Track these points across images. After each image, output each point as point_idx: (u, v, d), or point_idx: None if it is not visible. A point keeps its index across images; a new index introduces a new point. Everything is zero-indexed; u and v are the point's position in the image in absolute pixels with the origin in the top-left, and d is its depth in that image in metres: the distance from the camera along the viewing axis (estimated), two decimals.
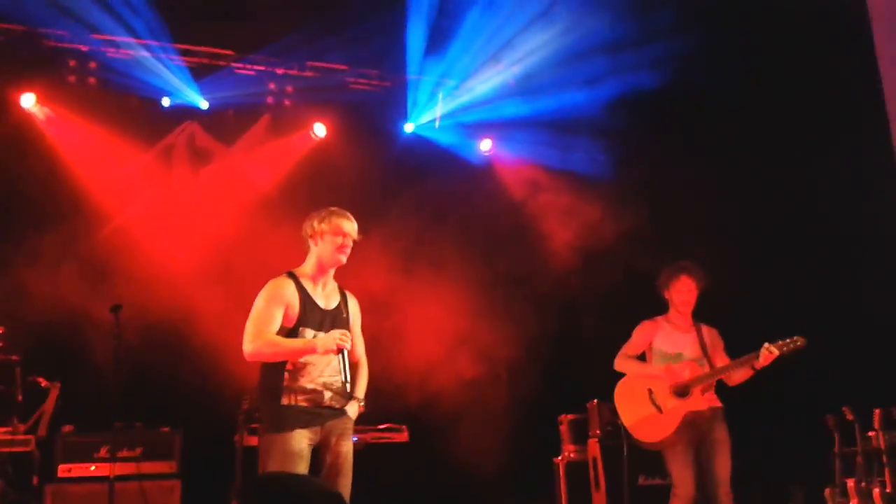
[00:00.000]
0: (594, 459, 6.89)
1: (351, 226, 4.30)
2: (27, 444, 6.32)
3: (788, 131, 7.47)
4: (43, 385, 6.49)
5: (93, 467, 6.32)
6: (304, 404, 4.13)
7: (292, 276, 4.29)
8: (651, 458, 5.83)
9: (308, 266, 4.33)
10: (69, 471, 6.32)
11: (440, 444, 7.37)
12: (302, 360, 4.15)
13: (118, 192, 7.64)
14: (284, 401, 4.12)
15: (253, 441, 6.25)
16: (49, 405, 6.49)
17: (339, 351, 4.11)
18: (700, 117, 7.71)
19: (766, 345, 5.11)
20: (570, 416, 7.27)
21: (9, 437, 6.31)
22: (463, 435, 7.43)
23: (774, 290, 7.12)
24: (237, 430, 6.35)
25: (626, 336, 5.58)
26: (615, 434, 6.65)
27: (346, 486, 4.18)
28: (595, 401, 7.04)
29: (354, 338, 4.36)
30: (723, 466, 5.21)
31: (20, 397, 6.44)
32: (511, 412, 7.76)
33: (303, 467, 4.06)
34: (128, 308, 6.42)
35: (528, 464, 7.57)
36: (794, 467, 6.76)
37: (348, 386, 4.16)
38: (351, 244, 4.29)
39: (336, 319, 4.27)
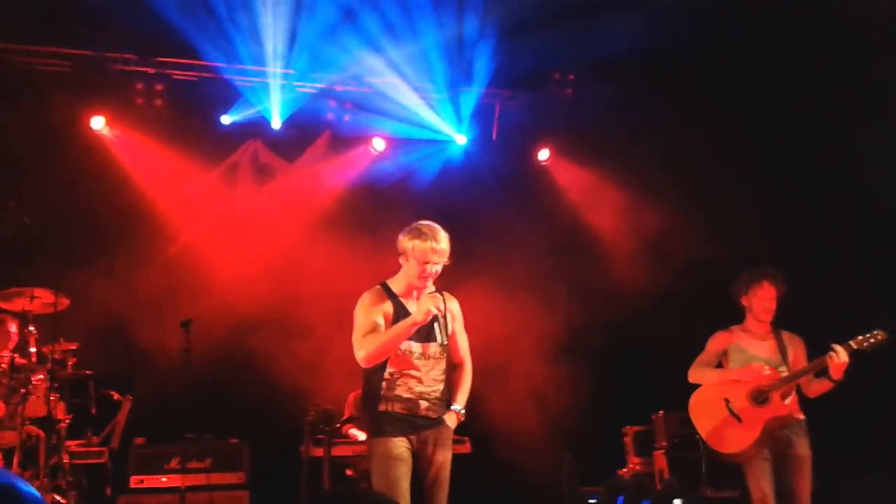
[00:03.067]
0: (660, 472, 6.80)
1: (438, 253, 4.15)
2: (101, 455, 6.52)
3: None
4: (116, 398, 6.68)
5: (164, 478, 6.46)
6: (399, 412, 4.15)
7: (384, 286, 4.28)
8: (719, 471, 5.73)
9: (399, 279, 4.29)
10: (141, 482, 6.47)
11: (502, 455, 7.37)
12: (400, 369, 4.16)
13: (186, 209, 7.84)
14: (381, 407, 4.16)
15: (318, 452, 6.35)
16: (121, 418, 6.69)
17: (434, 316, 4.09)
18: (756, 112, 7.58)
19: (834, 346, 4.89)
20: (634, 428, 7.20)
21: (83, 448, 6.50)
22: (525, 447, 7.41)
23: (847, 287, 6.92)
24: (303, 441, 6.44)
25: (693, 345, 5.45)
26: (681, 446, 6.58)
27: (441, 497, 4.19)
28: (661, 412, 6.97)
29: (457, 339, 4.36)
30: (803, 484, 5.01)
31: (94, 410, 6.63)
32: (574, 423, 7.70)
33: (404, 470, 4.09)
34: (197, 323, 6.59)
35: (592, 476, 7.50)
36: (866, 477, 6.58)
37: (442, 342, 4.14)
38: (437, 271, 4.19)
39: (442, 329, 4.20)
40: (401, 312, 4.19)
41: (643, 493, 6.14)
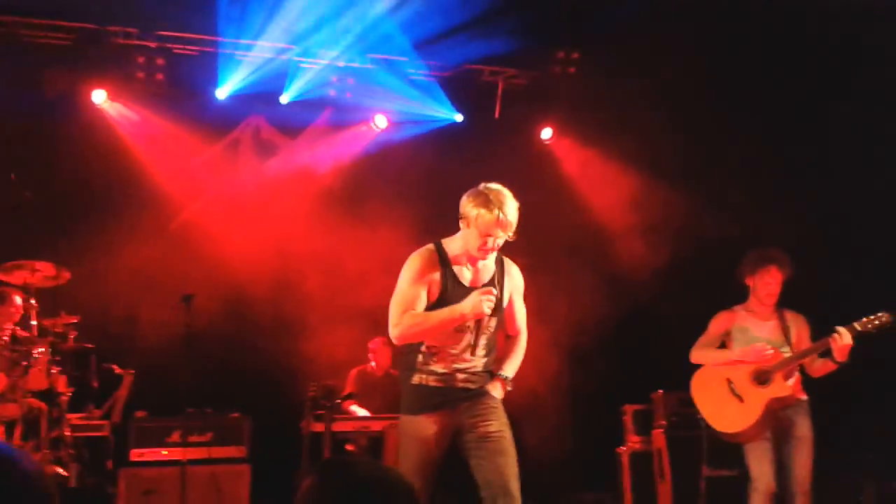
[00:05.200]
0: (659, 450, 6.84)
1: (504, 226, 3.75)
2: (102, 429, 6.55)
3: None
4: (117, 372, 6.71)
5: (165, 452, 6.47)
6: (433, 384, 3.91)
7: (438, 247, 3.93)
8: (718, 450, 5.75)
9: (456, 242, 3.93)
10: (141, 455, 6.48)
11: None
12: (438, 344, 3.89)
13: (187, 184, 7.82)
14: (415, 380, 3.93)
15: (319, 427, 6.37)
16: (123, 391, 6.71)
17: (481, 316, 3.78)
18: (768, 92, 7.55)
19: (838, 328, 4.90)
20: (634, 406, 7.23)
21: (85, 422, 6.53)
22: (525, 424, 7.40)
23: (842, 277, 6.93)
24: (304, 416, 6.46)
25: (696, 325, 5.46)
26: (681, 425, 6.60)
27: (508, 466, 3.86)
28: (660, 391, 6.99)
29: (514, 309, 4.09)
30: (803, 465, 5.04)
31: (96, 384, 6.66)
32: (574, 401, 7.73)
33: (425, 452, 3.89)
34: (198, 298, 6.60)
35: (592, 454, 7.54)
36: (866, 459, 6.61)
37: (476, 358, 3.89)
38: (498, 245, 3.84)
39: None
40: (450, 284, 3.86)
41: None
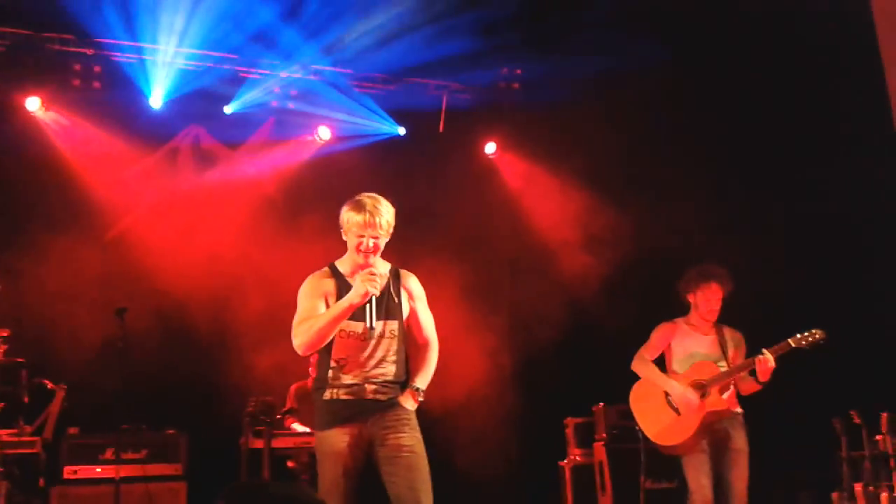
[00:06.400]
0: (600, 463, 6.89)
1: (372, 226, 3.94)
2: (33, 445, 6.32)
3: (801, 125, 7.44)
4: (49, 387, 6.49)
5: (98, 469, 6.31)
6: (344, 397, 3.97)
7: (332, 267, 4.09)
8: (657, 462, 5.81)
9: (346, 258, 4.09)
10: (74, 472, 6.31)
11: (443, 446, 7.34)
12: (344, 356, 3.98)
13: (123, 195, 7.64)
14: (326, 395, 3.99)
15: (258, 444, 6.26)
16: (55, 407, 6.49)
17: (369, 298, 3.86)
18: (707, 102, 7.69)
19: (763, 350, 5.06)
20: (575, 420, 7.27)
21: (15, 438, 6.30)
22: (467, 438, 7.42)
23: (778, 289, 7.08)
24: (242, 432, 6.35)
25: (636, 338, 5.53)
26: (621, 437, 6.66)
27: (419, 481, 3.92)
28: (601, 404, 7.05)
29: (419, 318, 4.17)
30: (740, 477, 5.15)
31: (26, 399, 6.43)
32: (516, 415, 7.74)
33: (343, 468, 3.90)
34: (133, 311, 6.46)
35: (534, 467, 7.56)
36: (802, 471, 6.75)
37: (373, 329, 3.92)
38: (374, 245, 3.98)
39: (384, 307, 4.00)
40: (345, 293, 3.94)
41: None
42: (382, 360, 4.01)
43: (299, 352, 3.98)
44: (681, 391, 5.23)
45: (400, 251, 4.15)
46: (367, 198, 4.01)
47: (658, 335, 5.48)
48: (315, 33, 7.74)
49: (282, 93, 8.17)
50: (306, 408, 6.85)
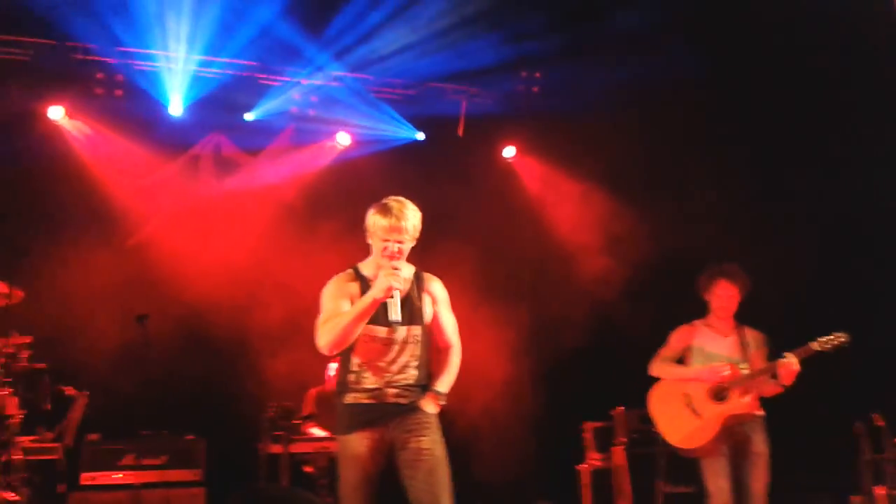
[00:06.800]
0: (619, 467, 6.82)
1: (398, 230, 3.90)
2: (54, 452, 6.39)
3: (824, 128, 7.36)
4: (70, 394, 6.56)
5: (118, 475, 6.35)
6: (365, 401, 3.96)
7: (356, 270, 4.06)
8: (676, 466, 5.75)
9: (370, 261, 4.06)
10: (94, 479, 6.36)
11: (462, 450, 7.32)
12: (367, 359, 3.96)
13: (145, 202, 7.73)
14: (348, 399, 3.99)
15: (276, 449, 6.28)
16: (76, 414, 6.56)
17: (392, 292, 3.82)
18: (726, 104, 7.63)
19: (786, 354, 5.00)
20: (594, 424, 7.21)
21: (36, 445, 6.37)
22: (486, 441, 7.40)
23: (800, 290, 6.99)
24: (261, 437, 6.37)
25: (654, 342, 5.48)
26: (641, 442, 6.61)
27: (439, 485, 3.89)
28: (621, 408, 6.99)
29: (441, 321, 4.13)
30: (760, 481, 5.10)
31: (48, 406, 6.50)
32: (535, 419, 7.70)
33: (363, 472, 3.91)
34: (155, 318, 6.52)
35: (552, 472, 7.51)
36: (822, 475, 6.64)
37: (398, 323, 3.86)
38: (400, 249, 3.95)
39: (407, 311, 3.96)
40: None
41: None
42: (406, 365, 3.99)
43: (324, 351, 3.95)
44: (708, 369, 5.16)
45: (419, 255, 4.14)
46: (394, 202, 3.98)
47: (676, 337, 5.44)
48: (335, 40, 7.78)
49: (302, 99, 8.20)
50: (325, 413, 6.87)
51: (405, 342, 3.99)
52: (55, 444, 6.43)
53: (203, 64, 7.73)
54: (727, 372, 5.13)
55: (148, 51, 7.62)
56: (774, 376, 5.07)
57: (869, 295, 6.96)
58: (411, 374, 4.00)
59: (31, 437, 6.40)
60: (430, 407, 4.03)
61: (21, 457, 6.05)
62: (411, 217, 3.96)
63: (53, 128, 7.64)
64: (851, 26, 6.71)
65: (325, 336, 3.91)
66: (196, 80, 7.78)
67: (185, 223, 7.69)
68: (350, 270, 4.07)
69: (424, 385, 4.05)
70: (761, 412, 5.24)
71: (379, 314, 3.91)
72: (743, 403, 5.14)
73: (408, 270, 4.06)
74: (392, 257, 3.94)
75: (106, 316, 7.07)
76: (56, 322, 6.95)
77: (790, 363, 4.96)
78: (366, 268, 4.05)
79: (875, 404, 5.72)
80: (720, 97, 7.62)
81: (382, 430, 3.95)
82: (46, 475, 6.32)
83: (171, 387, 6.99)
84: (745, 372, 5.17)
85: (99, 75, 7.67)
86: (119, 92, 7.72)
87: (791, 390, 5.08)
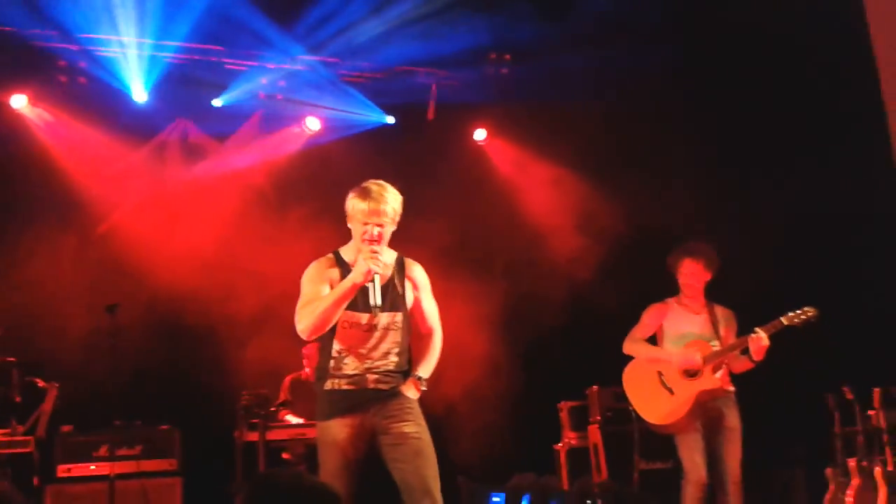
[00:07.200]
0: (595, 445, 6.89)
1: (377, 213, 3.86)
2: (26, 445, 6.31)
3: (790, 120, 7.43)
4: (41, 385, 6.47)
5: (93, 466, 6.31)
6: (345, 387, 3.93)
7: (336, 255, 4.02)
8: (651, 443, 5.82)
9: (350, 246, 4.01)
10: (68, 470, 6.31)
11: (437, 432, 7.33)
12: (347, 345, 3.93)
13: (112, 190, 7.61)
14: (328, 385, 3.95)
15: (253, 437, 6.26)
16: (47, 405, 6.46)
17: (372, 276, 3.80)
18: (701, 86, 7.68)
19: (756, 329, 5.06)
20: (569, 403, 7.27)
21: (8, 438, 6.30)
22: (461, 423, 7.42)
23: (770, 268, 7.07)
24: (236, 425, 6.34)
25: (627, 321, 5.53)
26: (615, 419, 6.68)
27: (427, 467, 3.87)
28: (595, 386, 7.05)
29: (423, 307, 4.11)
30: (734, 455, 5.17)
31: (18, 398, 6.41)
32: (510, 399, 7.73)
33: (342, 457, 3.87)
34: (125, 306, 6.44)
35: (528, 451, 7.56)
36: (795, 448, 6.75)
37: (378, 310, 3.85)
38: (380, 233, 3.89)
39: (388, 298, 3.94)
40: None
41: (549, 492, 6.19)
42: (387, 352, 3.96)
43: (303, 336, 3.94)
44: (681, 355, 5.22)
45: (393, 239, 4.11)
46: (374, 185, 3.94)
47: (649, 316, 5.49)
48: (303, 24, 7.70)
49: (269, 84, 8.11)
50: (300, 399, 6.86)
51: (387, 329, 3.96)
52: (27, 437, 6.34)
53: (167, 49, 7.62)
54: (699, 359, 5.19)
55: (110, 36, 7.49)
56: (745, 352, 5.14)
57: (841, 269, 7.05)
58: (392, 361, 3.97)
59: (2, 431, 6.33)
60: (411, 392, 4.00)
61: None
62: (391, 200, 3.92)
63: (16, 116, 7.52)
64: (827, 12, 6.78)
65: (303, 321, 3.88)
66: (160, 65, 7.67)
67: (153, 211, 7.62)
68: (330, 255, 4.04)
69: (406, 371, 4.03)
70: (732, 388, 5.32)
71: (359, 300, 3.89)
72: (715, 379, 5.21)
73: (389, 256, 4.03)
74: (372, 241, 3.89)
75: (75, 306, 6.97)
76: (25, 313, 6.85)
77: (760, 338, 5.02)
78: (346, 252, 4.02)
79: (845, 378, 5.80)
80: (696, 78, 7.67)
81: (363, 417, 3.92)
82: (19, 468, 6.24)
83: (144, 376, 6.94)
84: (716, 348, 5.23)
85: (61, 62, 7.53)
86: (82, 79, 7.60)
87: (764, 365, 5.15)
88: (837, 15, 6.57)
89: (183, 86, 7.78)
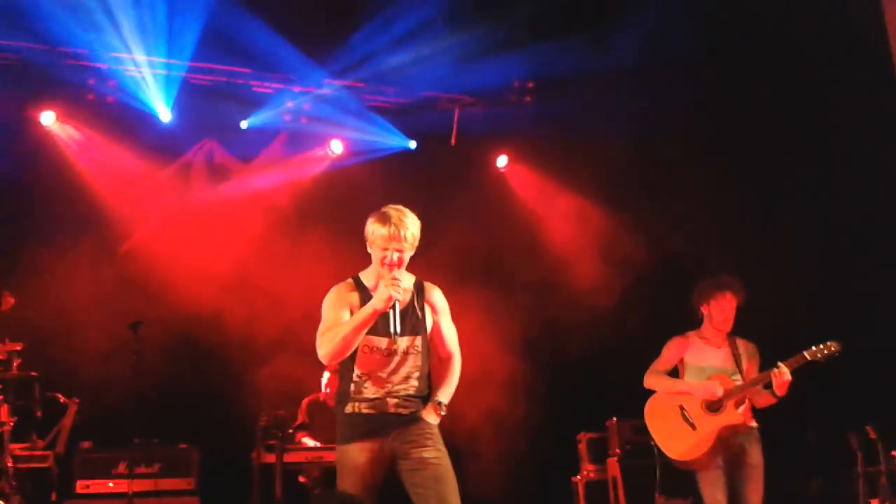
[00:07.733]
0: (614, 479, 6.84)
1: (397, 239, 3.87)
2: (45, 459, 6.35)
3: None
4: (62, 401, 6.52)
5: (111, 483, 6.33)
6: (366, 412, 3.93)
7: (356, 280, 4.04)
8: (671, 478, 5.77)
9: (370, 271, 4.03)
10: (87, 487, 6.34)
11: (457, 463, 7.31)
12: (367, 370, 3.94)
13: (137, 208, 7.69)
14: (348, 409, 3.95)
15: (270, 458, 6.25)
16: (68, 421, 6.52)
17: (393, 303, 3.80)
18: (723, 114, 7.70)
19: (780, 364, 5.03)
20: (588, 435, 7.23)
21: (28, 452, 6.33)
22: (480, 454, 7.39)
23: (793, 301, 7.04)
24: (254, 447, 6.34)
25: (649, 353, 5.50)
26: (635, 453, 6.62)
27: (448, 494, 3.84)
28: (614, 419, 7.00)
29: (442, 331, 4.10)
30: (755, 493, 5.10)
31: (39, 413, 6.44)
32: (529, 430, 7.70)
33: (359, 481, 3.86)
34: (147, 325, 6.48)
35: (547, 483, 7.52)
36: (817, 487, 6.69)
37: (398, 336, 3.85)
38: (399, 258, 3.92)
39: (408, 322, 3.95)
40: None
41: None
42: (407, 376, 3.97)
43: (324, 361, 3.95)
44: (701, 386, 5.18)
45: (411, 264, 4.13)
46: (393, 210, 3.95)
47: (669, 350, 5.45)
48: (328, 48, 7.77)
49: (295, 107, 8.19)
50: (318, 422, 6.85)
51: (406, 353, 3.97)
52: (47, 452, 6.39)
53: (194, 70, 7.71)
54: (720, 391, 5.15)
55: (139, 56, 7.58)
56: (768, 386, 5.10)
57: (863, 304, 7.02)
58: (412, 385, 3.98)
59: (23, 445, 6.36)
60: (431, 417, 4.00)
61: (12, 464, 5.99)
62: (410, 226, 3.93)
63: (45, 133, 7.59)
64: (846, 30, 6.79)
65: (324, 346, 3.89)
66: (186, 86, 7.75)
67: (177, 230, 7.66)
68: (350, 280, 4.05)
69: (425, 396, 4.03)
70: (755, 423, 5.26)
71: (379, 325, 3.90)
72: (738, 415, 5.16)
73: (408, 280, 4.04)
74: (391, 266, 3.91)
75: (98, 323, 7.00)
76: (48, 329, 6.89)
77: (783, 373, 4.98)
78: (366, 277, 4.04)
79: (868, 417, 5.75)
80: (720, 113, 7.68)
81: (382, 441, 3.92)
82: (38, 483, 6.27)
83: (164, 394, 6.95)
84: (738, 383, 5.20)
85: (91, 80, 7.62)
86: (110, 98, 7.69)
87: (787, 401, 5.11)
88: (867, 52, 6.57)
89: (210, 107, 7.86)
